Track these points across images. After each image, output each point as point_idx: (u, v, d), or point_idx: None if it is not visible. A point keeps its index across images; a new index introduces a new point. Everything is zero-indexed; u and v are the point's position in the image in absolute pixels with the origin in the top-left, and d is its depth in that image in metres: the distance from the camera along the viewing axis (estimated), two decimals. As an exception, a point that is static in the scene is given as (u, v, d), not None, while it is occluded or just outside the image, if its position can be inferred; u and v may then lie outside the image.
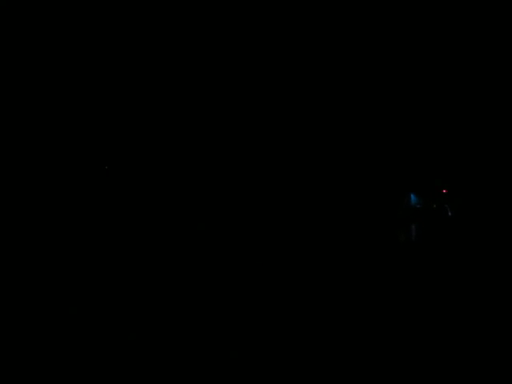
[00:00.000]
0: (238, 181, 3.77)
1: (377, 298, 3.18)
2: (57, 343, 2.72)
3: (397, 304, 3.14)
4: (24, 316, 2.90)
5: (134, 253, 3.46)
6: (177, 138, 3.84)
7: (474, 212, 3.61)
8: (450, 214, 3.63)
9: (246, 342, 2.81)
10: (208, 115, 3.85)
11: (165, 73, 3.85)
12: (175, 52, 3.82)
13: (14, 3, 3.63)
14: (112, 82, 3.82)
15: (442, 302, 3.13)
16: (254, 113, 3.83)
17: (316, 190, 3.70)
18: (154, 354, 2.69)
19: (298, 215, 3.66)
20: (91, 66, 3.79)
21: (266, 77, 3.81)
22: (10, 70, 3.71)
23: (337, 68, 3.77)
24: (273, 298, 3.18)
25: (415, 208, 3.67)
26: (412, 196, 3.69)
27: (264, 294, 3.22)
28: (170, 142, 3.83)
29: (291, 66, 3.79)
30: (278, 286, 3.27)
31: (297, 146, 3.78)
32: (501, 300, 3.08)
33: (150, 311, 3.00)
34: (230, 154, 3.81)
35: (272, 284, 3.29)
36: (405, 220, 3.66)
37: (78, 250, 3.44)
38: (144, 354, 2.67)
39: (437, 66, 3.66)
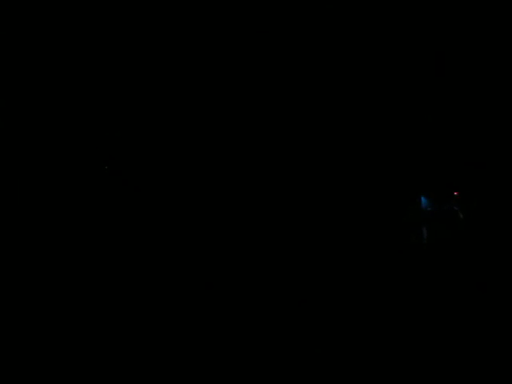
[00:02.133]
0: (241, 186, 3.71)
1: (387, 299, 3.13)
2: (57, 342, 2.64)
3: (407, 306, 3.09)
4: (24, 315, 2.83)
5: (134, 251, 3.41)
6: (176, 137, 3.80)
7: (484, 214, 3.57)
8: (460, 216, 3.58)
9: (245, 340, 2.72)
10: (208, 115, 3.82)
11: (165, 73, 3.83)
12: (175, 52, 3.81)
13: (13, 3, 3.63)
14: (112, 82, 3.79)
15: (453, 304, 3.09)
16: (255, 113, 3.80)
17: (328, 194, 3.67)
18: (153, 353, 2.59)
19: (309, 219, 3.63)
20: (91, 66, 3.77)
21: (267, 78, 3.80)
22: (10, 70, 3.68)
23: (346, 72, 3.76)
24: (279, 301, 3.12)
25: (426, 210, 3.65)
26: (423, 199, 3.67)
27: (270, 298, 3.15)
28: (170, 142, 3.78)
29: (296, 68, 3.78)
30: (286, 289, 3.22)
31: (306, 150, 3.75)
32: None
33: (149, 308, 2.95)
34: (232, 155, 3.76)
35: (280, 287, 3.24)
36: (416, 222, 3.63)
37: (78, 247, 3.38)
38: (144, 353, 2.58)
39: (450, 71, 3.67)
